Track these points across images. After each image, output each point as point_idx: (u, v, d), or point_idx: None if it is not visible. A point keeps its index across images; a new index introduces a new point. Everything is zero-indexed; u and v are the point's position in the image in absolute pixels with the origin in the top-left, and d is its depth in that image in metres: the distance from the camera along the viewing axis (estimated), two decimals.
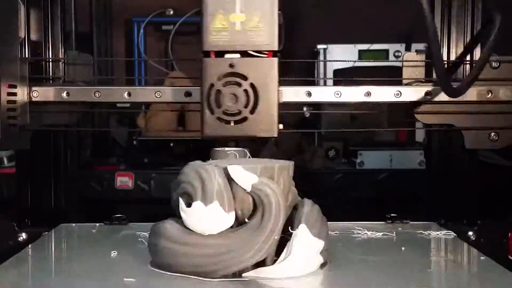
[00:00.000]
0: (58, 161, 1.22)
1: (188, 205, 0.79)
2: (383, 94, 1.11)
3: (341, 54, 2.15)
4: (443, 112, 1.12)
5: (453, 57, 1.18)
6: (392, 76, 1.16)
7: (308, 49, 2.14)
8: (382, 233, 1.04)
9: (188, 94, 1.10)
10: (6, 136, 1.03)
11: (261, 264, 0.78)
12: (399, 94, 1.11)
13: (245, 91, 0.96)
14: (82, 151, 2.01)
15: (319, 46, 2.11)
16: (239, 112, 0.97)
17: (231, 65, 0.96)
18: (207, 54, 0.97)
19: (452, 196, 1.20)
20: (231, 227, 0.79)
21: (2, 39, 1.02)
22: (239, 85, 0.96)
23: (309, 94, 1.10)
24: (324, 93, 1.12)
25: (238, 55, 0.97)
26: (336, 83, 2.05)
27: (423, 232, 1.06)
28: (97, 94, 1.11)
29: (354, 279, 0.81)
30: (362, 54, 2.10)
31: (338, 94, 1.11)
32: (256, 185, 0.78)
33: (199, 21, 0.97)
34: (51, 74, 1.19)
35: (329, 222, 0.87)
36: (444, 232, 1.07)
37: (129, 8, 2.48)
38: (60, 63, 1.19)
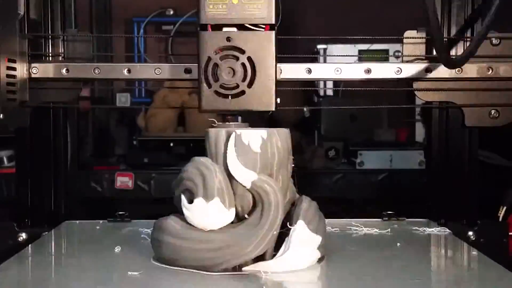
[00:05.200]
0: (58, 161, 1.22)
1: (190, 201, 0.82)
2: (383, 70, 1.11)
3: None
4: (443, 89, 1.12)
5: (453, 32, 1.17)
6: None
7: (308, 50, 2.14)
8: (378, 229, 1.06)
9: (188, 71, 1.09)
10: (5, 112, 1.02)
11: (260, 258, 0.81)
12: (400, 71, 1.10)
13: (243, 64, 0.94)
14: (82, 151, 2.01)
15: (319, 46, 2.11)
16: (237, 86, 0.94)
17: (228, 39, 0.95)
18: (203, 27, 0.95)
19: (452, 196, 1.20)
20: (232, 222, 0.82)
21: (1, 14, 1.01)
22: (237, 58, 0.94)
23: (309, 71, 1.10)
24: (325, 70, 1.11)
25: (235, 29, 0.94)
26: (337, 83, 2.05)
27: (418, 228, 1.08)
28: (96, 71, 1.11)
29: (350, 273, 0.84)
30: (362, 54, 2.10)
31: (338, 71, 1.10)
32: (256, 182, 0.81)
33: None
34: (50, 52, 1.18)
35: (327, 219, 0.90)
36: (438, 228, 1.08)
37: (129, 8, 2.48)
38: (60, 40, 1.19)
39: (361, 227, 1.07)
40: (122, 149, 2.26)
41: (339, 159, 2.00)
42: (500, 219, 1.19)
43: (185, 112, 2.22)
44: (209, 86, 0.94)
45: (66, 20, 1.20)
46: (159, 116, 2.20)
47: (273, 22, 0.94)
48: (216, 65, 0.94)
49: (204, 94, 0.94)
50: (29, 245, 0.99)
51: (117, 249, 0.94)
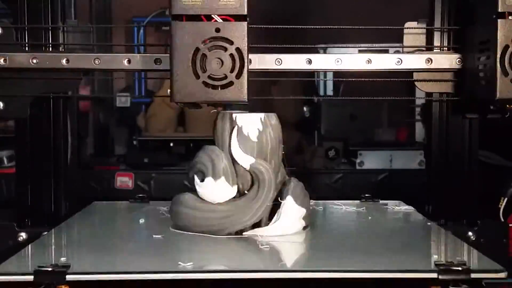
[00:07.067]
0: (58, 161, 1.22)
1: (202, 180, 0.99)
2: (384, 61, 1.10)
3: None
4: (443, 80, 1.12)
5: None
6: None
7: (307, 50, 2.14)
8: (355, 207, 1.23)
9: None
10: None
11: (257, 225, 0.99)
12: (400, 61, 1.10)
13: (231, 55, 0.94)
14: (82, 151, 2.01)
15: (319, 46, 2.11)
16: (225, 77, 0.94)
17: (217, 30, 0.94)
18: (177, 17, 0.94)
19: (452, 196, 1.20)
20: (234, 197, 0.99)
21: None
22: (225, 49, 0.94)
23: (310, 61, 1.09)
24: (325, 61, 1.11)
25: (220, 20, 0.94)
26: (337, 82, 2.05)
27: (388, 207, 1.24)
28: (96, 61, 1.10)
29: (328, 237, 1.02)
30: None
31: (338, 62, 1.10)
32: (253, 165, 0.99)
33: None
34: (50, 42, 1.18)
35: (314, 200, 1.14)
36: (405, 207, 1.23)
37: (129, 8, 2.48)
38: (60, 31, 1.18)
39: (342, 206, 1.23)
40: (122, 149, 2.26)
41: (339, 159, 2.01)
42: (501, 210, 1.19)
43: (185, 112, 2.22)
44: (197, 77, 0.94)
45: (66, 13, 1.20)
46: (159, 116, 2.21)
47: (245, 13, 0.94)
48: (204, 56, 0.94)
49: (193, 85, 0.94)
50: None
51: (141, 220, 1.11)
